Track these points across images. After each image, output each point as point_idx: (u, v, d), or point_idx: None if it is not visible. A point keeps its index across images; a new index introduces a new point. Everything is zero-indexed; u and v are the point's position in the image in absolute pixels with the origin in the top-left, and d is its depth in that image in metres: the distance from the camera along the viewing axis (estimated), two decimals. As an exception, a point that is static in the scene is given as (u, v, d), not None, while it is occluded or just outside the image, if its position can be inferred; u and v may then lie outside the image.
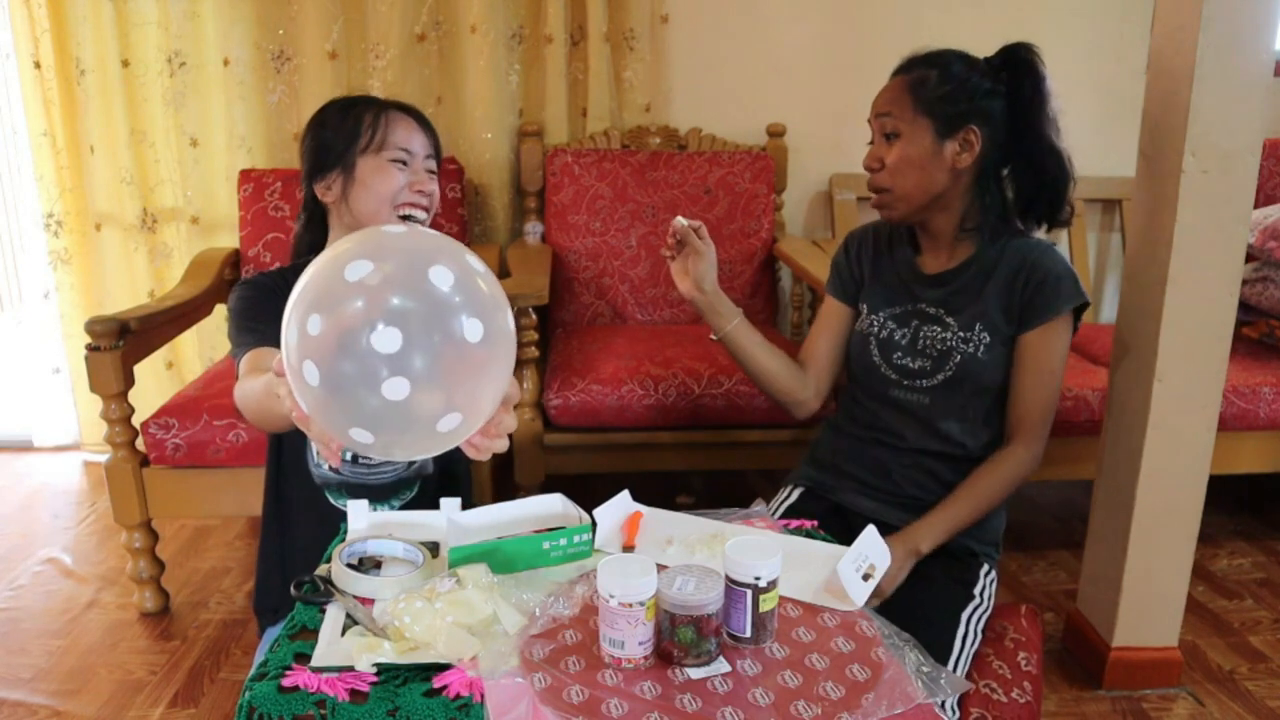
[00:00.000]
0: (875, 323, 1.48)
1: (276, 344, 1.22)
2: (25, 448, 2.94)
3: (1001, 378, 1.40)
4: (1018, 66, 1.36)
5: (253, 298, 1.31)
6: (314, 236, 1.43)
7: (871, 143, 1.42)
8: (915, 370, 1.43)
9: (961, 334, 1.40)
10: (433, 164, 1.38)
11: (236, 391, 1.18)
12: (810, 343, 1.57)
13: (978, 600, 1.33)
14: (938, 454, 1.43)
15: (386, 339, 0.73)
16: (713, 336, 1.49)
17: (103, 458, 2.71)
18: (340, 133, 1.33)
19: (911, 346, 1.44)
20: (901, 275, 1.48)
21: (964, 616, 1.29)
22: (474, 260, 0.83)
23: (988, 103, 1.35)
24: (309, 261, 1.37)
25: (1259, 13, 1.52)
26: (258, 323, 1.27)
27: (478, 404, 0.82)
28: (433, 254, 0.79)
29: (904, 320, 1.46)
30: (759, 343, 1.48)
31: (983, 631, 1.31)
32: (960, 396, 1.41)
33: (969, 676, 1.23)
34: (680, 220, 1.40)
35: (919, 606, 1.23)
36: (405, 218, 1.34)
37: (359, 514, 1.09)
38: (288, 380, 0.81)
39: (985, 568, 1.40)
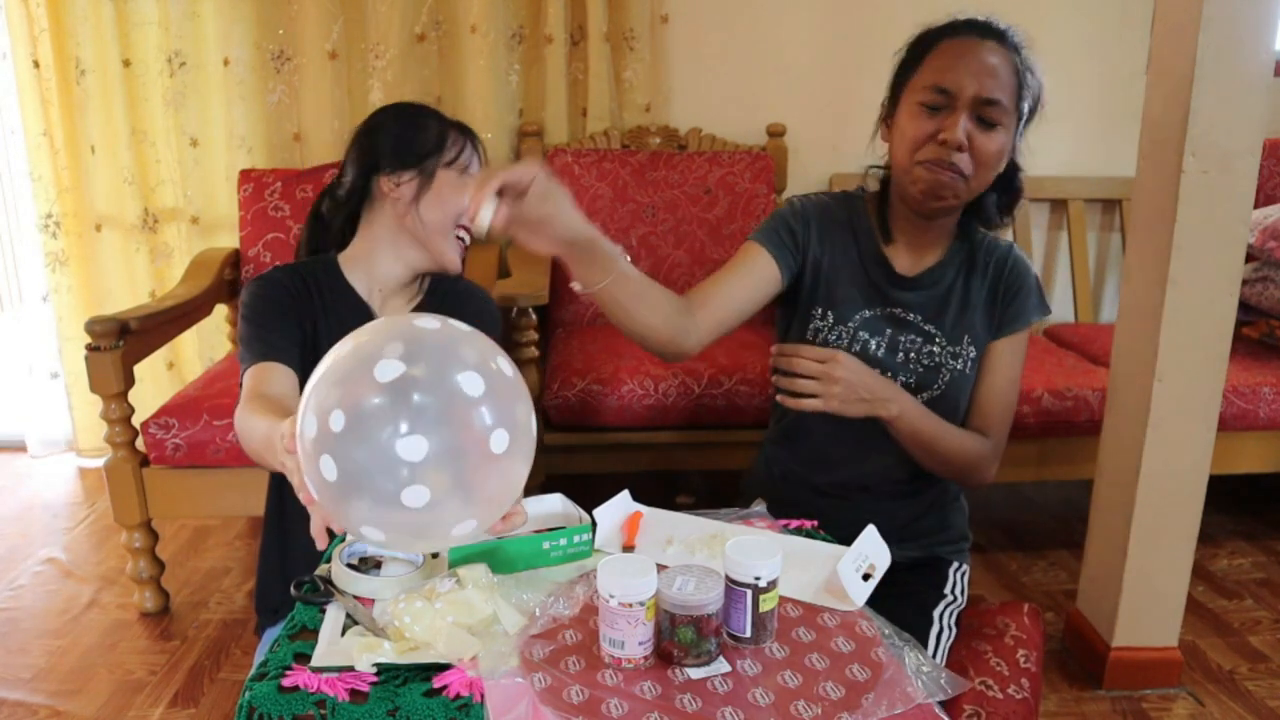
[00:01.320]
0: (844, 334, 1.31)
1: (283, 355, 1.22)
2: (21, 449, 2.94)
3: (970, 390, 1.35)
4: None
5: (266, 296, 1.29)
6: (340, 224, 1.38)
7: (936, 108, 1.19)
8: (899, 386, 1.29)
9: (950, 348, 1.31)
10: None
11: (237, 417, 1.17)
12: (713, 286, 1.27)
13: (950, 597, 1.32)
14: (892, 492, 1.36)
15: (412, 446, 0.72)
16: (580, 288, 1.10)
17: (97, 463, 2.72)
18: (426, 136, 1.32)
19: (891, 358, 1.31)
20: (870, 274, 1.32)
21: (936, 614, 1.27)
22: (503, 361, 0.82)
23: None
24: (329, 259, 1.36)
25: (1259, 13, 1.52)
26: (266, 329, 1.25)
27: (495, 508, 0.82)
28: (463, 357, 0.77)
29: (877, 327, 1.31)
30: (643, 283, 1.14)
31: (956, 625, 1.30)
32: (940, 412, 1.31)
33: (961, 671, 1.22)
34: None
35: (891, 613, 1.17)
36: (458, 239, 1.34)
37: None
38: (298, 459, 0.79)
39: (955, 564, 1.39)
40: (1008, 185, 1.29)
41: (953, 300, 1.31)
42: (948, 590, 1.34)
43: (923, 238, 1.31)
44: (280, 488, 1.38)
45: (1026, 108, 1.23)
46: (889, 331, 1.31)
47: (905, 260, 1.32)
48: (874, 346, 1.30)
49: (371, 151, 1.33)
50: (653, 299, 1.15)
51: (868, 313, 1.31)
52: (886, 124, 1.30)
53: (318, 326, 1.30)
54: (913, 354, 1.31)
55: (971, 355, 1.31)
